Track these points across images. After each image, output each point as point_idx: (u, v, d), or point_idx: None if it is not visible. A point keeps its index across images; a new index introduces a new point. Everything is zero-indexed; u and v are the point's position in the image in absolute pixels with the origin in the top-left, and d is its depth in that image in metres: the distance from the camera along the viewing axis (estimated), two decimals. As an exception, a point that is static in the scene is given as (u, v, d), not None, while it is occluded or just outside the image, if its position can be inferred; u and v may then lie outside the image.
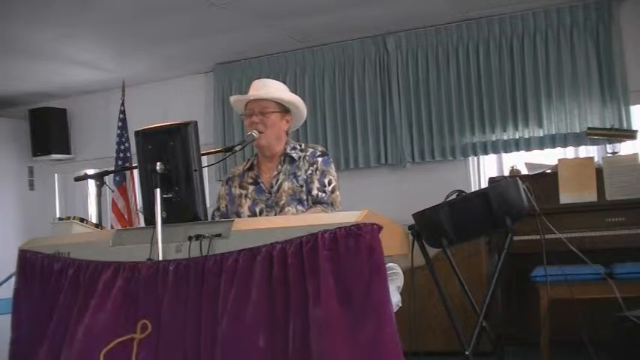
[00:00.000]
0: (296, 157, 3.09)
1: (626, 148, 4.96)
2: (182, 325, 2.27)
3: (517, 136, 5.36)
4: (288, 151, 3.11)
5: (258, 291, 2.13)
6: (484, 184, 5.49)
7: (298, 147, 3.14)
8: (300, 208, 3.00)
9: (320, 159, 3.08)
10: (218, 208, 3.21)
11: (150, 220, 2.47)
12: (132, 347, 2.27)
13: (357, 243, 2.04)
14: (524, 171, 5.09)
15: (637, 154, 4.66)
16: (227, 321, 2.17)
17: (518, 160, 5.35)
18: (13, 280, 2.95)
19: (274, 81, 3.23)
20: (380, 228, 2.08)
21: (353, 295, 2.04)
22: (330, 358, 2.02)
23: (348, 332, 2.03)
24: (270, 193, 3.07)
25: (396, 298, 2.73)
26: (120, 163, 6.38)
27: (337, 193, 3.06)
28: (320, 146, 3.21)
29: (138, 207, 6.22)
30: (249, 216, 3.05)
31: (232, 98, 3.20)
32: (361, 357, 2.02)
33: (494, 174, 5.55)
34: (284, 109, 3.11)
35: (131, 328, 2.30)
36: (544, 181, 4.67)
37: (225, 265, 2.22)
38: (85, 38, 5.46)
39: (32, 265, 2.75)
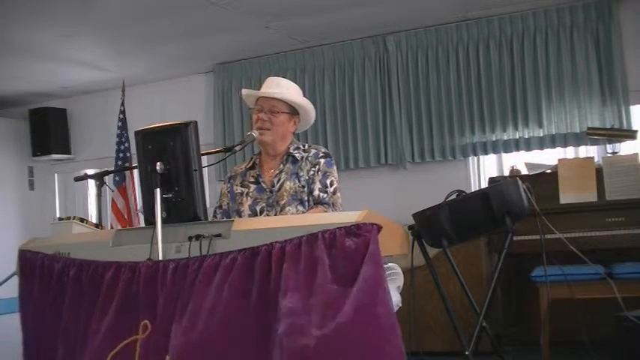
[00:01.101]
0: (299, 158, 3.09)
1: (626, 148, 4.95)
2: (173, 318, 2.27)
3: (517, 136, 5.36)
4: (291, 151, 3.11)
5: (251, 287, 2.13)
6: (484, 184, 5.49)
7: (301, 147, 3.15)
8: (300, 208, 3.00)
9: (323, 160, 3.08)
10: (220, 206, 3.22)
11: (150, 220, 2.48)
12: (135, 348, 2.28)
13: (357, 242, 2.04)
14: (524, 171, 5.09)
15: (637, 154, 4.66)
16: (220, 314, 2.18)
17: (518, 160, 5.35)
18: (12, 280, 2.95)
19: (289, 82, 3.23)
20: (380, 228, 2.08)
21: (353, 295, 2.04)
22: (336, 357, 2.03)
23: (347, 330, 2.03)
24: (271, 192, 3.07)
25: (396, 298, 2.73)
26: (120, 163, 6.37)
27: (338, 194, 3.07)
28: (323, 147, 3.22)
29: (138, 207, 6.22)
30: (249, 215, 3.05)
31: (244, 92, 3.21)
32: (362, 355, 2.02)
33: (495, 174, 5.54)
34: (293, 111, 3.12)
35: (134, 330, 2.30)
36: (544, 181, 4.67)
37: (224, 263, 2.22)
38: (85, 38, 5.46)
39: (32, 266, 2.74)
